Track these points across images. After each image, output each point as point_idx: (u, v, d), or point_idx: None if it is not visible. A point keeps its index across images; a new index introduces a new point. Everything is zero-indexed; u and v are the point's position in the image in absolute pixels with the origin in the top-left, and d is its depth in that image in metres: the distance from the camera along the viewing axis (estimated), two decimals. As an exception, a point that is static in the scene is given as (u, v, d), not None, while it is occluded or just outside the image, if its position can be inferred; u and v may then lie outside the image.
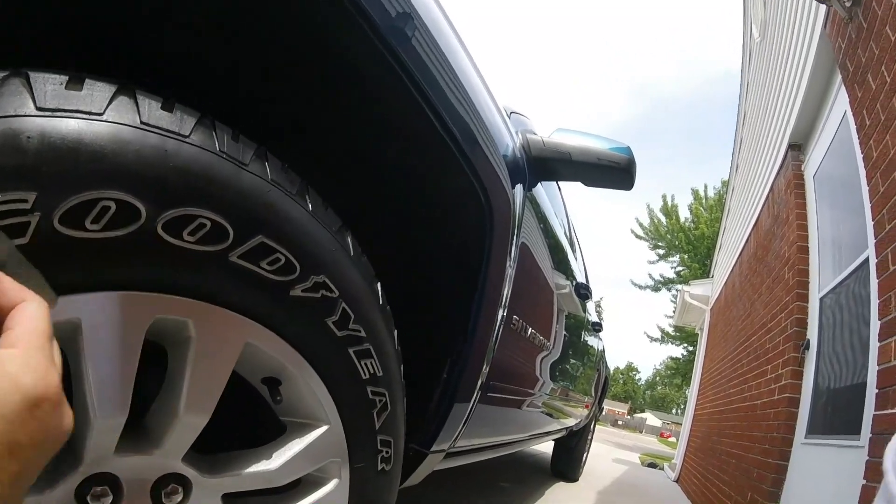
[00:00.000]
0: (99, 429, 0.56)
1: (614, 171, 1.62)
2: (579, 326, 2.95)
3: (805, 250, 3.60)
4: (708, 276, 11.13)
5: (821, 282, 3.32)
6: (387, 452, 0.96)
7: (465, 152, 1.03)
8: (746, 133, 7.04)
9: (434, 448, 1.25)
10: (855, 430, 2.29)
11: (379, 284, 0.90)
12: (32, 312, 0.37)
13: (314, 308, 0.75)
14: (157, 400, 0.65)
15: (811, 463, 2.83)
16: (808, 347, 3.24)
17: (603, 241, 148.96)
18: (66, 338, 0.54)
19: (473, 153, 1.07)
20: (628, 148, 1.65)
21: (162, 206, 0.55)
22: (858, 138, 2.49)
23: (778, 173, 4.53)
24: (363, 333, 0.83)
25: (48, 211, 0.49)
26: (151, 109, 0.58)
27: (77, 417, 0.57)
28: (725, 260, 7.99)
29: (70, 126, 0.51)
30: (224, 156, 0.61)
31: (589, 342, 3.51)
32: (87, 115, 0.53)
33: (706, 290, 9.58)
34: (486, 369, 1.31)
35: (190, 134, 0.59)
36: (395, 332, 0.96)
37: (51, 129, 0.50)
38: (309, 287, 0.72)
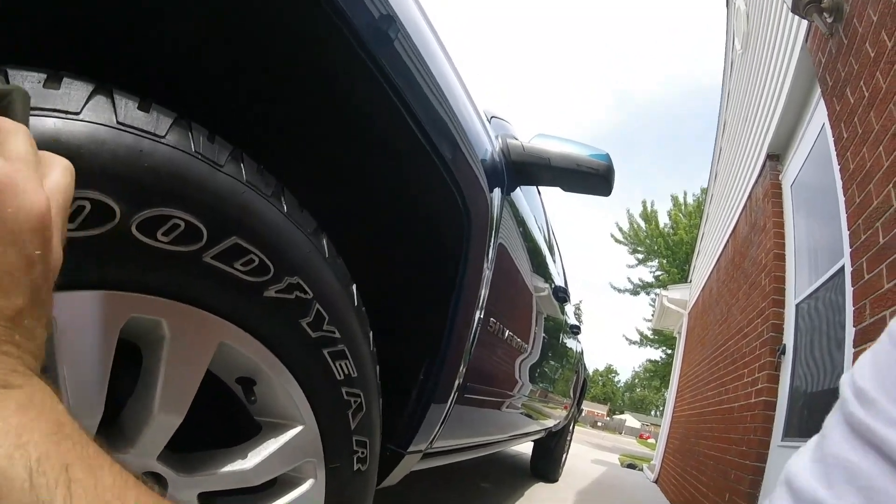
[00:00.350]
0: (73, 427, 0.56)
1: (593, 178, 1.64)
2: (558, 329, 2.97)
3: (781, 258, 3.65)
4: (686, 281, 11.23)
5: (797, 288, 3.37)
6: (362, 453, 0.96)
7: (444, 157, 1.04)
8: (726, 142, 7.12)
9: (411, 448, 1.26)
10: (830, 434, 2.32)
11: (354, 286, 0.90)
12: None
13: (288, 309, 0.75)
14: (131, 399, 0.65)
15: (787, 465, 2.86)
16: (784, 352, 3.29)
17: (583, 244, 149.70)
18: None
19: (452, 158, 1.08)
20: (607, 155, 1.66)
21: (136, 206, 0.55)
22: (836, 150, 2.54)
23: (756, 182, 4.59)
24: (338, 335, 0.83)
25: (23, 210, 0.48)
26: (128, 109, 0.57)
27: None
28: (703, 265, 8.07)
29: (47, 125, 0.50)
30: (199, 156, 0.61)
31: (567, 344, 3.53)
32: (65, 113, 0.52)
33: (684, 295, 9.68)
34: (463, 370, 1.32)
35: (166, 134, 0.59)
36: (371, 333, 0.96)
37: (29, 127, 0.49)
38: (283, 288, 0.72)
